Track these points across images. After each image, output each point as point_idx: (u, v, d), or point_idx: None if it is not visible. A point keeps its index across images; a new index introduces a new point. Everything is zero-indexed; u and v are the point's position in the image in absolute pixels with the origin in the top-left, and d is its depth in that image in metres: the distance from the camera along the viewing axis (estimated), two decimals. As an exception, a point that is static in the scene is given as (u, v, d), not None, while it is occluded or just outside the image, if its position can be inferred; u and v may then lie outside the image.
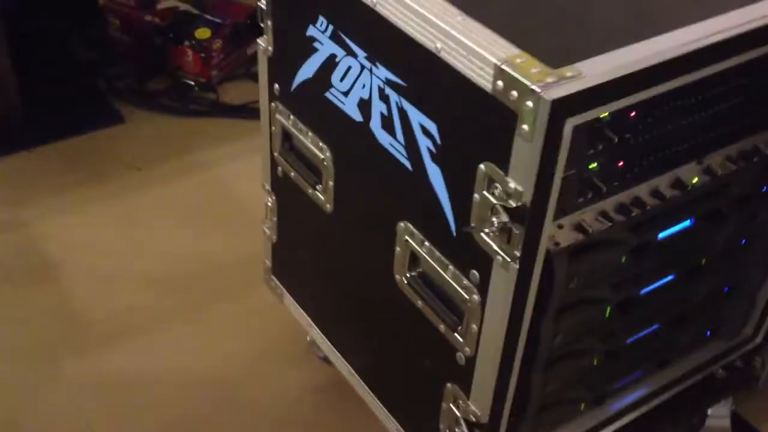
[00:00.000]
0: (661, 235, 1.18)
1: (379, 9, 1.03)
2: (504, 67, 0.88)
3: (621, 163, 1.04)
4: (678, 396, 1.45)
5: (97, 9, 2.42)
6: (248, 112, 2.36)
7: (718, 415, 1.58)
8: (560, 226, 1.02)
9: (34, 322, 1.73)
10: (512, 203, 0.95)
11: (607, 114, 0.95)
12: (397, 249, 1.19)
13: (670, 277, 1.27)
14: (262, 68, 1.34)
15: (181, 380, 1.64)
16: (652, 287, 1.25)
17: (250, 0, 2.55)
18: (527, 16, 1.01)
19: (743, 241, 1.34)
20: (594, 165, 1.00)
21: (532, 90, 0.86)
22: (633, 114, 0.99)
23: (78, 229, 1.96)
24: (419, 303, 1.18)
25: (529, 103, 0.87)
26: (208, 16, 2.42)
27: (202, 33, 2.37)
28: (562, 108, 0.87)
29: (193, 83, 2.41)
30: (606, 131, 0.96)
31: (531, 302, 1.05)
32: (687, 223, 1.21)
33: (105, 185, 2.09)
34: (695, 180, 1.15)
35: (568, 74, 0.88)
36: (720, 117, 1.11)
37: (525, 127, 0.88)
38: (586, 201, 1.03)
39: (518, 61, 0.89)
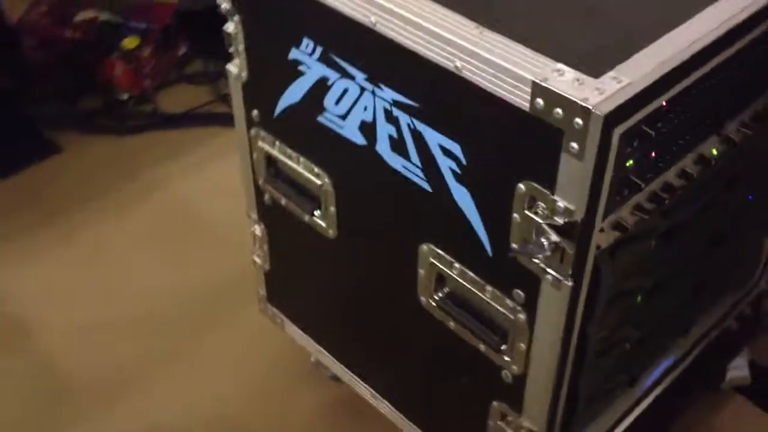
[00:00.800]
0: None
1: (380, 29, 0.95)
2: (545, 84, 0.81)
3: (653, 154, 0.99)
4: (699, 357, 1.44)
5: (9, 29, 2.24)
6: (193, 119, 2.25)
7: (737, 366, 1.58)
8: (601, 230, 0.97)
9: (17, 394, 1.59)
10: (559, 221, 0.89)
11: (646, 112, 0.89)
12: (421, 271, 1.12)
13: (693, 249, 1.23)
14: (236, 95, 1.24)
15: (189, 425, 1.56)
16: (677, 264, 1.21)
17: (172, -1, 2.41)
18: (540, 21, 0.93)
19: (751, 197, 1.32)
20: (630, 162, 0.95)
21: (583, 107, 0.79)
22: (665, 104, 0.93)
23: (39, 278, 1.82)
24: (451, 324, 1.12)
25: (579, 120, 0.80)
26: (133, 23, 2.28)
27: (130, 42, 2.23)
28: (612, 119, 0.81)
29: (127, 97, 2.27)
30: (643, 128, 0.90)
31: (580, 312, 1.00)
32: (709, 195, 1.17)
33: (57, 224, 1.95)
34: (714, 152, 1.11)
35: (614, 83, 0.81)
36: (735, 87, 1.07)
37: (574, 145, 0.82)
38: (622, 199, 0.98)
39: (556, 75, 0.82)
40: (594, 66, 0.84)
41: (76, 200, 2.01)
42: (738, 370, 1.58)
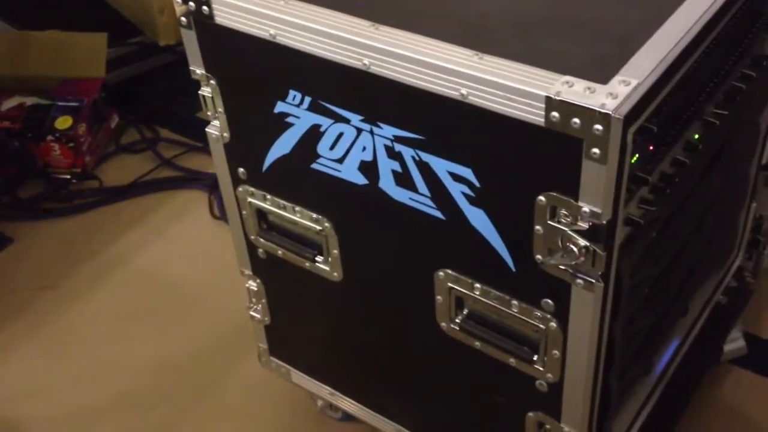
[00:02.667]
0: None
1: (375, 70, 0.96)
2: (559, 97, 0.84)
3: (651, 147, 1.02)
4: (699, 335, 1.48)
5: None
6: (140, 187, 2.21)
7: (732, 339, 1.63)
8: (616, 228, 1.00)
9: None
10: (584, 225, 0.91)
11: (648, 108, 0.92)
12: (439, 298, 1.13)
13: (685, 232, 1.27)
14: (219, 156, 1.23)
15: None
16: (675, 249, 1.25)
17: (96, 72, 2.37)
18: (532, 39, 0.95)
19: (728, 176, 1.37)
20: (635, 158, 0.98)
21: (601, 113, 0.82)
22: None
23: (17, 375, 1.76)
24: (477, 344, 1.13)
25: (599, 127, 0.83)
26: (61, 103, 2.23)
27: (63, 122, 2.18)
28: (628, 121, 0.84)
29: (69, 177, 2.22)
30: (647, 124, 0.93)
31: (608, 311, 1.02)
32: (695, 178, 1.21)
33: (23, 317, 1.89)
34: (697, 136, 1.16)
35: (623, 86, 0.84)
36: (710, 70, 1.11)
37: (596, 150, 0.84)
38: (630, 195, 1.01)
39: (567, 87, 0.85)
40: (598, 73, 0.86)
41: (37, 289, 1.95)
42: (734, 342, 1.63)
